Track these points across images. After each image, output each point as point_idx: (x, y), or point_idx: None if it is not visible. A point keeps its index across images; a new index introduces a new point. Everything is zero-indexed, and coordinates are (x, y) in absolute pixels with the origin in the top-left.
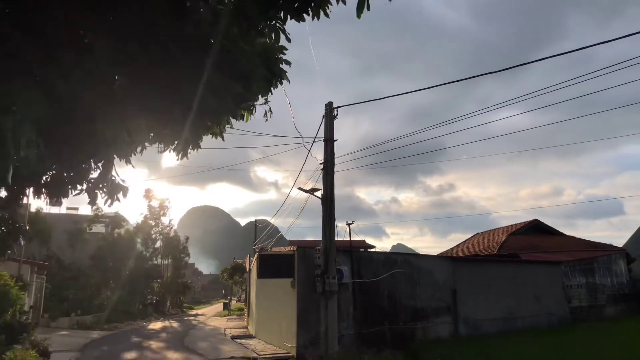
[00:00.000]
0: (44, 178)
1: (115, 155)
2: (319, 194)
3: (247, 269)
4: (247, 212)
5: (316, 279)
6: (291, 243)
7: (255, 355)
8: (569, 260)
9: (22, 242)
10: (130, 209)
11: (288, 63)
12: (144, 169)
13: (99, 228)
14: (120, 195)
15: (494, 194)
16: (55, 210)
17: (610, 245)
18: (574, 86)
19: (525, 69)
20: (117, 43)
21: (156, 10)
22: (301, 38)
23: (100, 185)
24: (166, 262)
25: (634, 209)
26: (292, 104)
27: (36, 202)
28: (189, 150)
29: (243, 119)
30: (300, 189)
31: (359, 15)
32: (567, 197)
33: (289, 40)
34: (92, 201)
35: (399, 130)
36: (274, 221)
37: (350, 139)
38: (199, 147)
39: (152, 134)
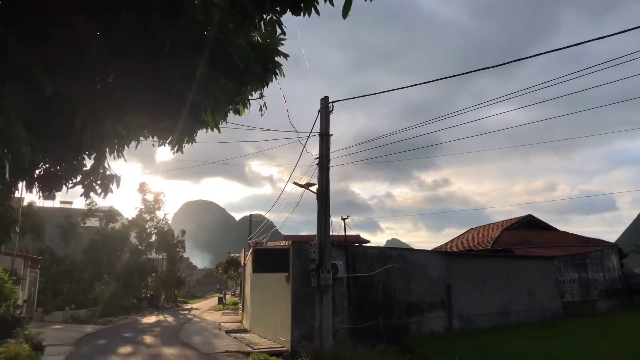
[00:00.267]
0: (37, 172)
1: (107, 149)
2: (314, 188)
3: (242, 264)
4: (242, 207)
5: (311, 273)
6: (286, 237)
7: (249, 349)
8: (562, 255)
9: (15, 235)
10: (125, 204)
11: (286, 56)
12: (138, 163)
13: (93, 222)
14: (113, 186)
15: (489, 189)
16: (48, 204)
17: (603, 241)
18: (568, 82)
19: (520, 64)
20: (109, 35)
21: (150, 3)
22: (297, 32)
23: (92, 178)
24: (161, 257)
25: (626, 205)
26: (287, 98)
27: (29, 196)
28: (184, 144)
29: (238, 114)
30: (295, 183)
31: (344, 16)
32: (560, 192)
33: (284, 33)
34: (87, 194)
35: (395, 125)
36: (269, 216)
37: (346, 134)
38: (194, 140)
39: (146, 130)
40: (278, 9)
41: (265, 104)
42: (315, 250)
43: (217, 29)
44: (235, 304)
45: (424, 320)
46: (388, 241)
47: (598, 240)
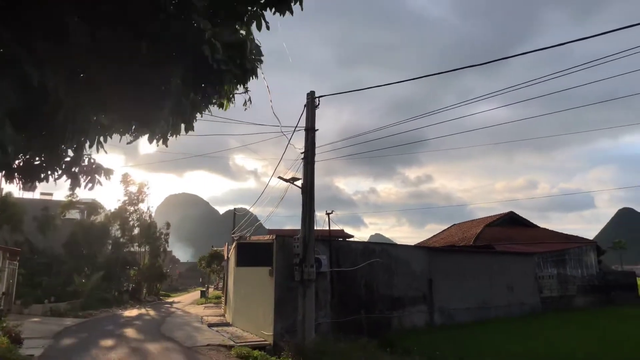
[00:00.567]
0: (17, 162)
1: (88, 141)
2: (299, 183)
3: (226, 257)
4: (226, 201)
5: (295, 267)
6: (270, 232)
7: (232, 343)
8: (542, 251)
9: None
10: (107, 196)
11: (259, 60)
12: (121, 155)
13: (74, 214)
14: (102, 178)
15: (471, 186)
16: (28, 195)
17: (582, 238)
18: (551, 81)
19: (504, 63)
20: (91, 27)
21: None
22: (284, 28)
23: (76, 170)
24: (143, 250)
25: (604, 203)
26: (273, 93)
27: (6, 187)
28: (168, 137)
29: (222, 107)
30: (280, 178)
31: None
32: (541, 190)
33: (268, 28)
34: (73, 186)
35: (380, 121)
36: (253, 210)
37: (331, 129)
38: (179, 133)
39: (133, 124)
40: (262, 1)
41: (250, 99)
42: (299, 244)
43: (196, 28)
44: (218, 297)
45: (406, 314)
46: (372, 236)
47: (577, 237)
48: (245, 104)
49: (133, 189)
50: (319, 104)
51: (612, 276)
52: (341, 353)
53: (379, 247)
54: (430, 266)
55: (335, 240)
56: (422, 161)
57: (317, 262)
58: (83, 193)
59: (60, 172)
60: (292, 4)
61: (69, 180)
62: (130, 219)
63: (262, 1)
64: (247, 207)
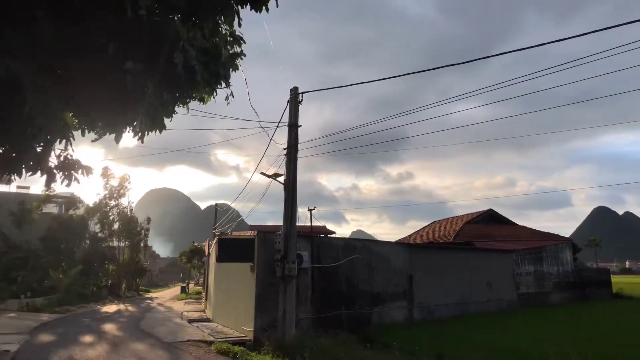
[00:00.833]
0: None
1: (59, 138)
2: (281, 179)
3: (206, 253)
4: (207, 196)
5: (276, 263)
6: (252, 227)
7: (212, 338)
8: (520, 249)
9: None
10: (87, 190)
11: (235, 65)
12: (101, 148)
13: (52, 209)
14: (79, 175)
15: (451, 184)
16: (4, 189)
17: (558, 236)
18: (529, 81)
19: (484, 62)
20: (59, 20)
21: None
22: (265, 23)
23: (50, 165)
24: (123, 244)
25: (580, 202)
26: (256, 88)
27: None
28: (139, 136)
29: (202, 102)
30: (263, 174)
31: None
32: (520, 188)
33: (239, 25)
34: (48, 181)
35: (362, 118)
36: (234, 205)
37: (313, 126)
38: (149, 132)
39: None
40: None
41: (232, 93)
42: (281, 240)
43: (169, 35)
44: (199, 293)
45: (386, 310)
46: (353, 232)
47: (554, 234)
48: (227, 98)
49: (114, 182)
50: (302, 100)
51: (587, 273)
52: (321, 348)
53: (360, 244)
54: (411, 262)
55: (317, 237)
56: (404, 158)
57: (299, 258)
58: (62, 187)
59: (32, 166)
60: (267, 1)
61: (45, 176)
62: (110, 214)
63: None
64: (228, 202)
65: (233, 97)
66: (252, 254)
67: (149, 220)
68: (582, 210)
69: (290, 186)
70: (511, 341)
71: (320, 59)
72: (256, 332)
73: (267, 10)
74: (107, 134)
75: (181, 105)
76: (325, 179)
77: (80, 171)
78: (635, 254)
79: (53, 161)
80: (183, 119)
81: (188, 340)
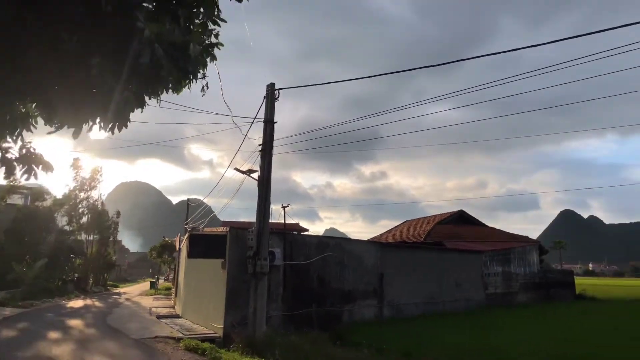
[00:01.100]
0: None
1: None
2: (255, 175)
3: (177, 248)
4: (179, 190)
5: (248, 260)
6: (224, 223)
7: (181, 335)
8: (489, 250)
9: None
10: (56, 181)
11: (203, 64)
12: (69, 140)
13: (17, 200)
14: (39, 170)
15: (423, 184)
16: None
17: (526, 237)
18: (500, 86)
19: (457, 65)
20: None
21: None
22: (242, 18)
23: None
24: (92, 238)
25: (547, 205)
26: (233, 84)
27: None
28: (116, 128)
29: (175, 92)
30: (236, 169)
31: None
32: (491, 190)
33: (218, 16)
34: (7, 174)
35: (337, 117)
36: (207, 201)
37: (288, 123)
38: (112, 129)
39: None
40: None
41: (207, 85)
42: (254, 237)
43: (135, 31)
44: (168, 289)
45: (357, 308)
46: (326, 230)
47: (522, 236)
48: (202, 89)
49: (85, 174)
50: (278, 96)
51: (552, 274)
52: (291, 346)
53: (333, 242)
54: (382, 261)
55: (290, 234)
56: (378, 158)
57: (271, 255)
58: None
59: None
60: None
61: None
62: (79, 206)
63: None
64: (201, 197)
65: (208, 88)
66: (223, 251)
67: (118, 213)
68: (549, 213)
69: (265, 182)
70: (477, 338)
71: (297, 56)
72: (226, 329)
73: None
74: (66, 127)
75: (151, 98)
76: (299, 177)
77: (40, 167)
78: (598, 257)
79: (14, 152)
80: (155, 110)
81: (156, 337)
